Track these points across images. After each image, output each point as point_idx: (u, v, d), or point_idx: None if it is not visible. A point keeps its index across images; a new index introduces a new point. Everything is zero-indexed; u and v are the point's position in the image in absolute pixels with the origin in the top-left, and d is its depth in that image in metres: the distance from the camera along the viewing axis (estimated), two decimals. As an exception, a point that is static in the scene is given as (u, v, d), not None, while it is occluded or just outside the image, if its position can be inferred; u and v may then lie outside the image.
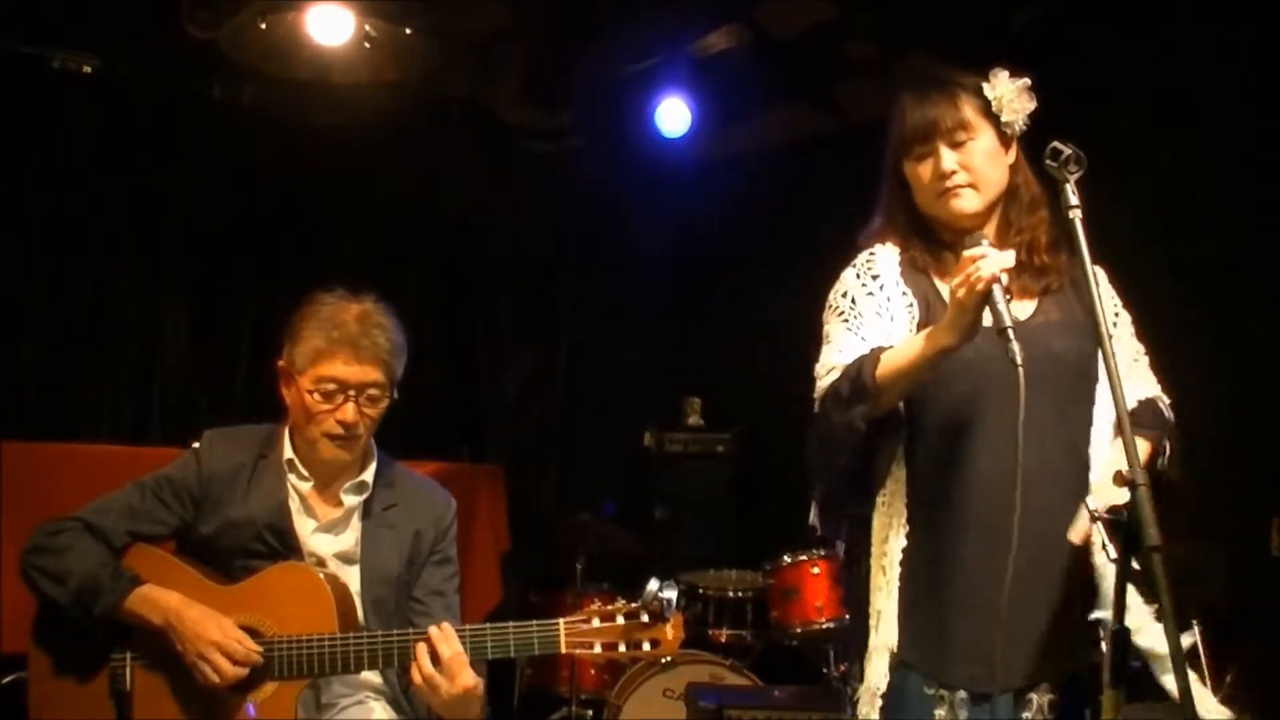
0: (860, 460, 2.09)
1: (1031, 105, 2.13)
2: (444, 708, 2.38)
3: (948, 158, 2.10)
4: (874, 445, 2.09)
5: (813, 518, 2.22)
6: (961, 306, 1.91)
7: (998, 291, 1.89)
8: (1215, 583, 3.38)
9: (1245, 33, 3.78)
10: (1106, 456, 2.05)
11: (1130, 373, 2.12)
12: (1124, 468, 1.87)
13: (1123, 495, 1.80)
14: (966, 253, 1.92)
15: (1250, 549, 3.56)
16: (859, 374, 2.01)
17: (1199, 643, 3.29)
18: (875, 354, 2.03)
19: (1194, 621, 3.35)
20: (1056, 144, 1.87)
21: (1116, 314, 2.18)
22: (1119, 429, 1.76)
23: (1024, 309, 2.13)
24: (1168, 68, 3.94)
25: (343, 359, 2.46)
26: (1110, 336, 1.79)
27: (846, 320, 2.14)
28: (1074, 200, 1.85)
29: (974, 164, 2.10)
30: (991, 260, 1.89)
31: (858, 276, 2.18)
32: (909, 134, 2.13)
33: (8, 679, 3.22)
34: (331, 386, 2.47)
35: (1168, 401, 2.15)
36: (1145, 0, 4.03)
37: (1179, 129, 3.90)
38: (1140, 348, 2.19)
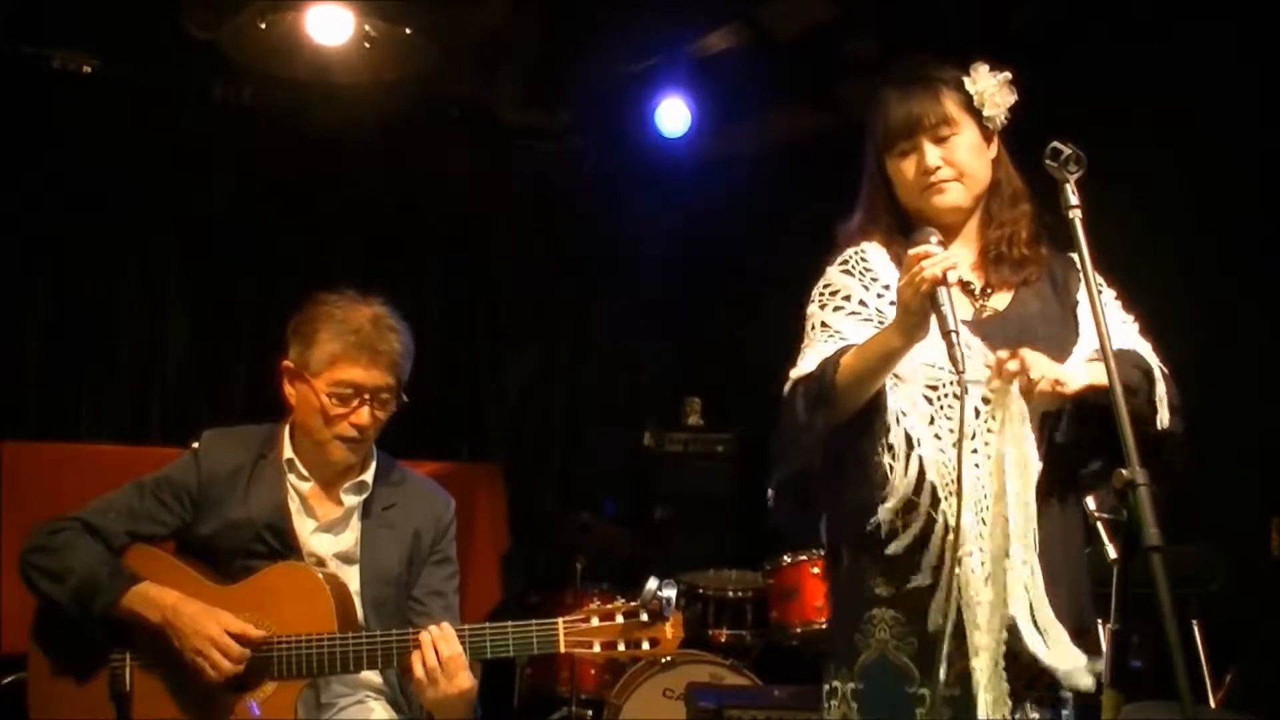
0: (817, 460, 2.06)
1: (1012, 99, 2.12)
2: (437, 705, 2.38)
3: (931, 153, 2.09)
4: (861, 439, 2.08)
5: (771, 503, 2.16)
6: (906, 307, 1.88)
7: (942, 294, 1.85)
8: (1215, 583, 3.38)
9: (1240, 35, 3.78)
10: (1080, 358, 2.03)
11: (1116, 336, 2.06)
12: (1097, 381, 1.92)
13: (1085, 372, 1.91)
14: (911, 251, 1.89)
15: (1250, 549, 3.56)
16: (823, 376, 2.01)
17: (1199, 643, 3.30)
18: (838, 356, 2.02)
19: (1194, 621, 3.36)
20: (1056, 144, 1.86)
21: (1100, 291, 2.16)
22: (1117, 422, 1.75)
23: (1002, 299, 2.13)
24: (1164, 68, 3.94)
25: (362, 364, 2.47)
26: (1106, 325, 1.80)
27: (835, 320, 2.12)
28: (1074, 200, 1.85)
29: (957, 158, 2.10)
30: (936, 261, 1.86)
31: (850, 274, 2.15)
32: (892, 130, 2.12)
33: (8, 679, 3.23)
34: (348, 391, 2.48)
35: (1154, 359, 2.08)
36: (1142, 1, 4.03)
37: (1176, 129, 3.90)
38: (1128, 316, 2.16)
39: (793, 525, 2.21)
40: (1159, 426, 1.99)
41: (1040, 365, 1.93)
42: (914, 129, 2.10)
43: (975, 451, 1.97)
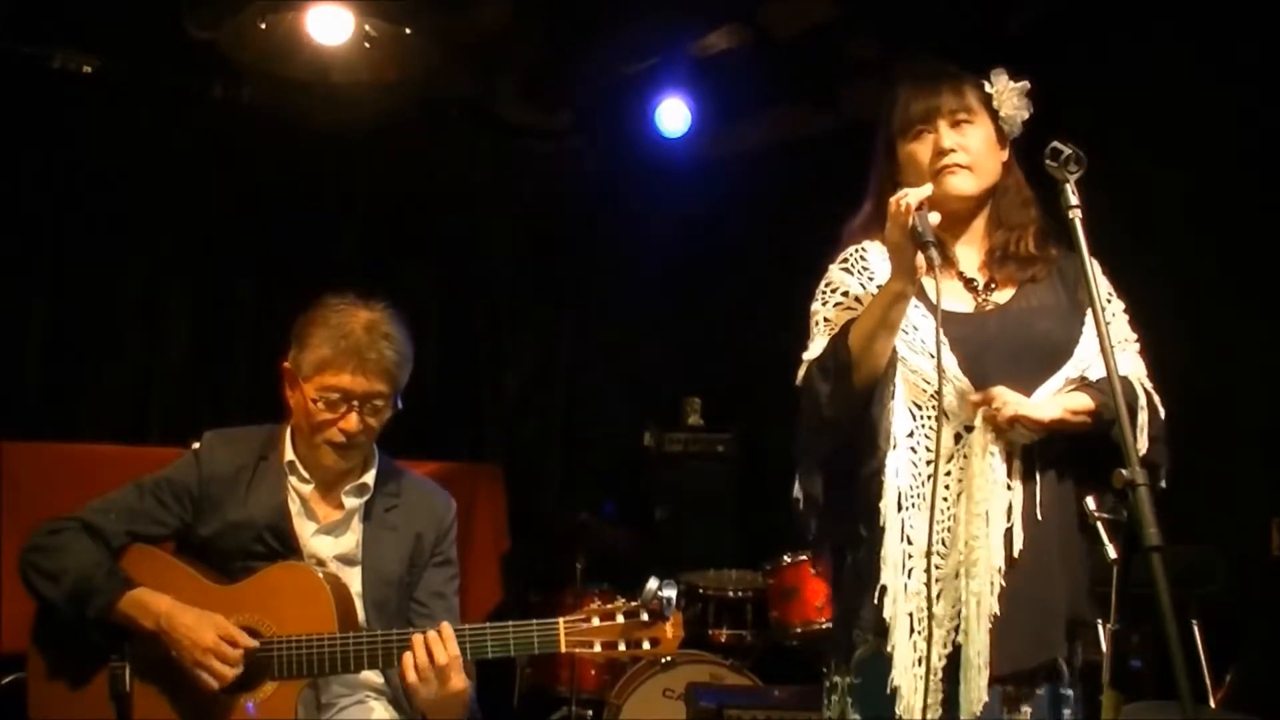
0: (844, 441, 2.10)
1: (1028, 111, 2.18)
2: (430, 706, 2.39)
3: (948, 135, 2.14)
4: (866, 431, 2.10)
5: (800, 504, 2.20)
6: (896, 246, 1.98)
7: (917, 219, 1.96)
8: (1215, 583, 3.38)
9: (1236, 34, 3.79)
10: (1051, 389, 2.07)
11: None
12: (1071, 407, 2.01)
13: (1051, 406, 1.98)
14: (891, 200, 2.00)
15: (1250, 549, 3.56)
16: (835, 349, 2.07)
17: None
18: (845, 327, 2.09)
19: (1194, 621, 3.36)
20: (1056, 144, 1.87)
21: (1109, 299, 2.18)
22: (1116, 418, 1.75)
23: (1005, 294, 2.17)
24: (1161, 68, 3.95)
25: (349, 370, 2.45)
26: (1106, 320, 1.82)
27: (834, 315, 2.16)
28: (1074, 200, 1.85)
29: (971, 146, 2.14)
30: (911, 194, 1.98)
31: (849, 272, 2.19)
32: (912, 115, 2.17)
33: (8, 679, 3.23)
34: (335, 396, 2.46)
35: (1148, 385, 2.13)
36: (1140, 2, 4.03)
37: (1174, 129, 3.90)
38: (1131, 335, 2.19)
39: (820, 526, 2.21)
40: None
41: (1011, 402, 2.01)
42: (933, 114, 2.15)
43: (949, 474, 2.04)
